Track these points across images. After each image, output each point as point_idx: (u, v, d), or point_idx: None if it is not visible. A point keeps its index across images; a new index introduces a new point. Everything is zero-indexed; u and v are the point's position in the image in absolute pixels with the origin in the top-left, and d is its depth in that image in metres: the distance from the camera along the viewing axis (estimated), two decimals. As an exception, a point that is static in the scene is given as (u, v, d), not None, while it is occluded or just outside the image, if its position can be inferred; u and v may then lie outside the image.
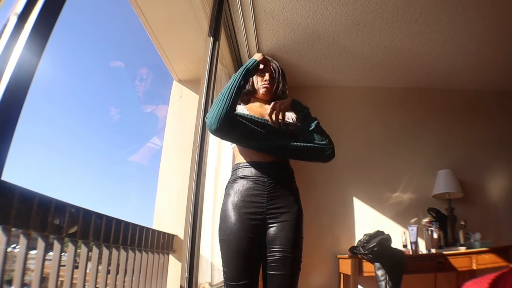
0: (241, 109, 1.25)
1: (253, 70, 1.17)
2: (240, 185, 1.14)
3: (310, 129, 1.18)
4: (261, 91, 1.31)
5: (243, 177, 1.15)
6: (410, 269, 2.12)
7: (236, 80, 1.12)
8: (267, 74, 1.29)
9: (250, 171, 1.15)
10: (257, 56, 1.19)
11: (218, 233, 1.15)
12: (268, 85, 1.30)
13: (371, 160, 2.79)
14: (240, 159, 1.20)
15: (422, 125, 2.88)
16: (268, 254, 1.10)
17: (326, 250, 2.57)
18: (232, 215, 1.12)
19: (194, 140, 1.49)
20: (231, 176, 1.21)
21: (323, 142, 1.17)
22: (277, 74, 1.32)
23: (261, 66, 1.21)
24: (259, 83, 1.31)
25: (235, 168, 1.20)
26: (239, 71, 1.15)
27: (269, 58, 1.31)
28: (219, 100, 1.09)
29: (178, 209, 2.12)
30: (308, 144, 1.16)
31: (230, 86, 1.11)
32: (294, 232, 1.11)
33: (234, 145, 1.25)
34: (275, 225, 1.12)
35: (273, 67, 1.32)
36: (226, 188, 1.20)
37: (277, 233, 1.11)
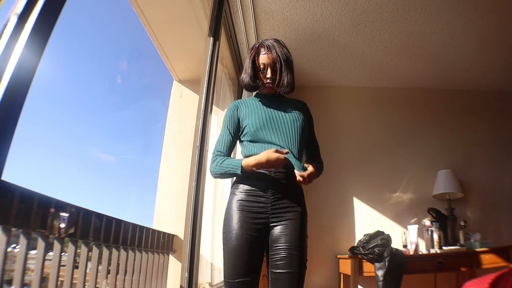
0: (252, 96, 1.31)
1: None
2: (246, 185, 1.16)
3: None
4: (266, 86, 1.26)
5: (249, 178, 1.16)
6: (410, 269, 2.12)
7: (230, 172, 1.16)
8: (269, 71, 1.22)
9: (257, 172, 1.15)
10: (248, 165, 1.14)
11: (222, 231, 1.16)
12: (271, 83, 1.23)
13: (371, 160, 2.78)
14: None
15: (421, 125, 2.88)
16: (272, 253, 1.10)
17: (326, 250, 2.57)
18: (235, 214, 1.13)
19: (194, 140, 1.49)
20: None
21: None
22: (279, 65, 1.23)
23: (263, 62, 1.23)
24: (263, 79, 1.25)
25: None
26: (230, 168, 1.16)
27: (273, 44, 1.25)
28: (216, 167, 1.18)
29: (178, 209, 2.12)
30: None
31: (225, 171, 1.16)
32: (299, 230, 1.12)
33: (243, 142, 1.25)
34: (279, 224, 1.12)
35: (273, 58, 1.23)
36: (231, 187, 1.21)
37: (281, 232, 1.11)
